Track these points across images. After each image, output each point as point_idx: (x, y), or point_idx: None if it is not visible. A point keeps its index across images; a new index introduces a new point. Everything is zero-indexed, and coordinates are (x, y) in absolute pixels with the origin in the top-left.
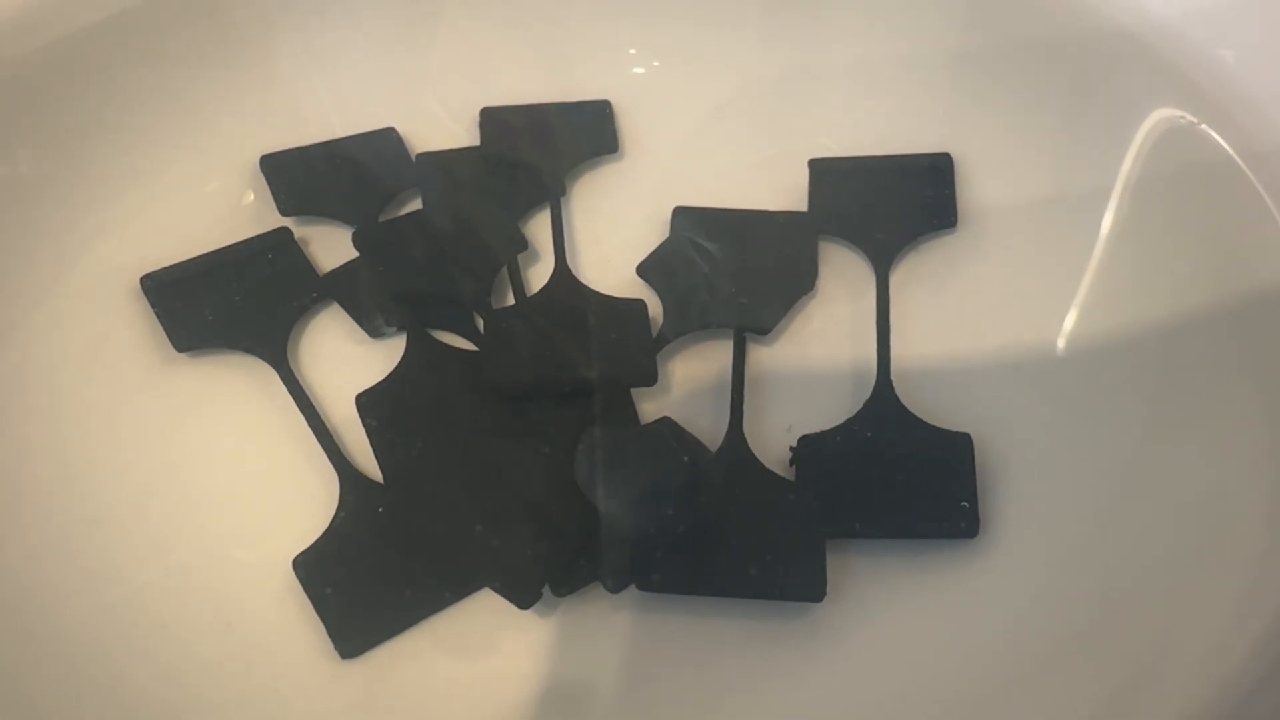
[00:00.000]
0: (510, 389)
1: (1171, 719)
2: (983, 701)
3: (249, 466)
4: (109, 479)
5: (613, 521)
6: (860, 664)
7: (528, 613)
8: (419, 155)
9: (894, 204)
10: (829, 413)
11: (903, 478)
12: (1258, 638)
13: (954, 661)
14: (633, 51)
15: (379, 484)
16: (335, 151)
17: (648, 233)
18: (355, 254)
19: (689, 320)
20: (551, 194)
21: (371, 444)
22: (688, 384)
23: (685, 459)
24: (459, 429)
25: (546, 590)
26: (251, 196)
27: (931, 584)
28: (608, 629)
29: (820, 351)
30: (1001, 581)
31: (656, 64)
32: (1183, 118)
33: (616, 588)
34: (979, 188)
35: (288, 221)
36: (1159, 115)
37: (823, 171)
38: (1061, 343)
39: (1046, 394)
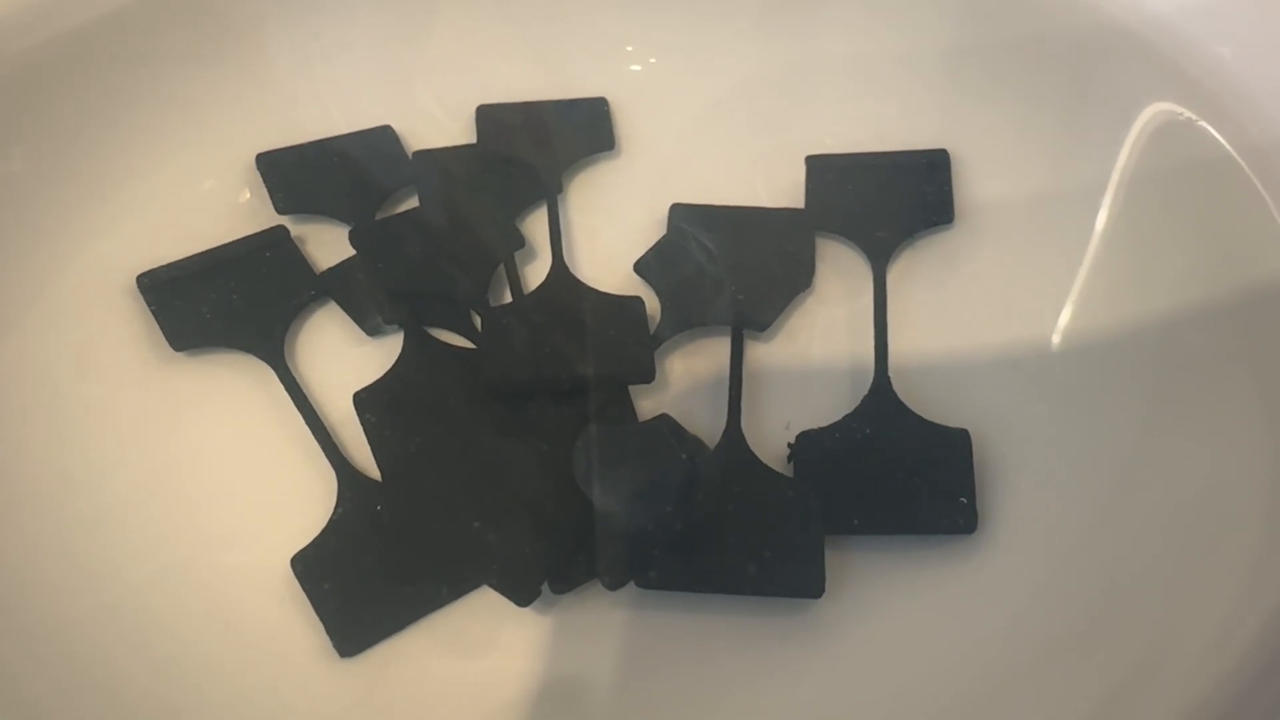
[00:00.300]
0: (508, 387)
1: (1172, 715)
2: (982, 698)
3: (246, 465)
4: (106, 478)
5: (610, 519)
6: (859, 660)
7: (526, 610)
8: (415, 153)
9: (891, 200)
10: (827, 409)
11: (901, 474)
12: (1257, 633)
13: (953, 657)
14: (630, 49)
15: (377, 482)
16: (331, 149)
17: (645, 230)
18: (352, 252)
19: (686, 317)
20: (548, 191)
21: (369, 442)
22: (685, 381)
23: (683, 456)
24: (457, 427)
25: (545, 588)
26: (248, 195)
27: (930, 580)
28: (606, 626)
29: (818, 348)
30: (1000, 577)
31: (653, 61)
32: (1179, 113)
33: (614, 585)
34: (976, 184)
35: (284, 220)
36: (1156, 111)
37: (820, 168)
38: (1059, 338)
39: (1044, 390)
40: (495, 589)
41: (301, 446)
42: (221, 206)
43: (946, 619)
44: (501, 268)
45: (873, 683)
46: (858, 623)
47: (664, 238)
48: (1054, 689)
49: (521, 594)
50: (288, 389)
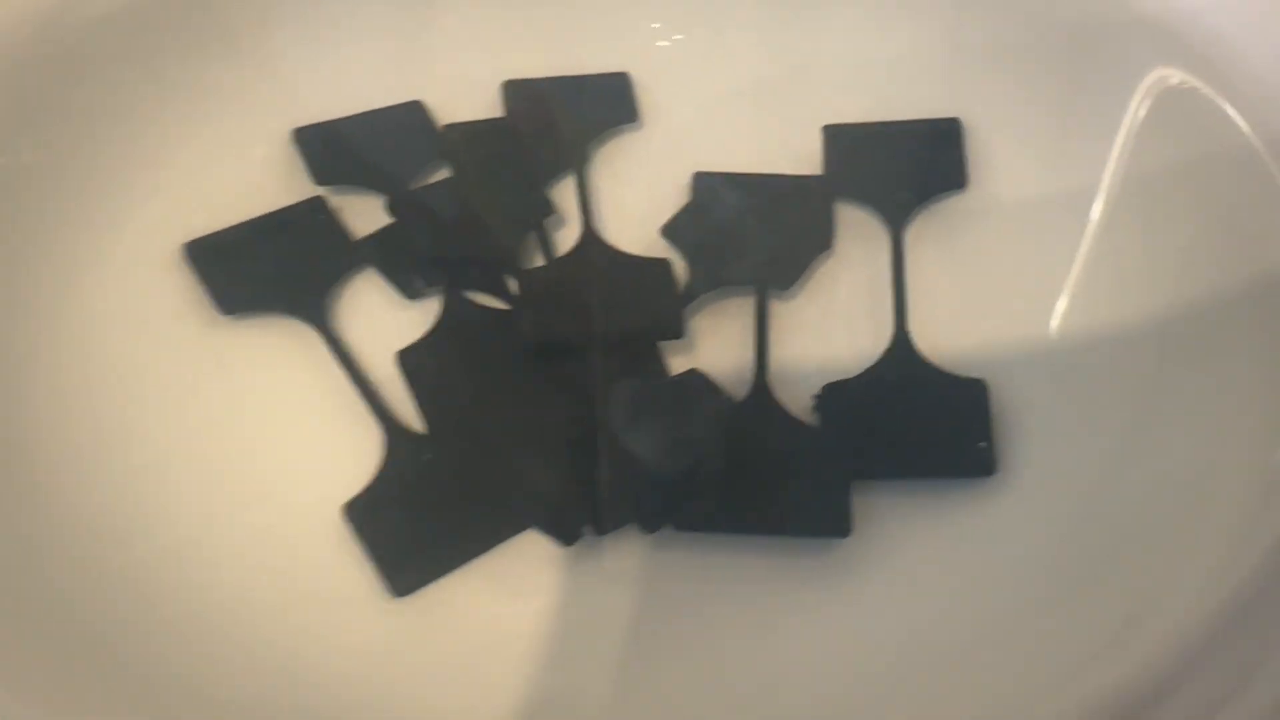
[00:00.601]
0: (545, 344)
1: (1176, 640)
2: (1001, 628)
3: (295, 422)
4: (161, 434)
5: (647, 465)
6: (883, 595)
7: (570, 551)
8: (446, 126)
9: (906, 167)
10: (850, 363)
11: (922, 421)
12: (1247, 574)
13: (974, 591)
14: (656, 25)
15: (423, 434)
16: (364, 124)
17: (670, 197)
18: (387, 221)
19: (712, 279)
20: (575, 162)
21: (414, 397)
22: (713, 339)
23: (714, 406)
24: (497, 382)
25: (587, 530)
26: (287, 167)
27: (951, 520)
28: (644, 566)
29: (840, 306)
30: (1017, 517)
31: (679, 37)
32: (1184, 83)
33: (651, 528)
34: (988, 152)
35: (322, 191)
36: (1160, 82)
37: (837, 137)
38: (1068, 297)
39: (1055, 343)
40: (540, 531)
41: (348, 404)
42: (263, 178)
43: (967, 556)
44: (533, 234)
45: (896, 615)
46: (882, 561)
47: (688, 204)
48: (1067, 618)
49: (565, 535)
50: (333, 350)
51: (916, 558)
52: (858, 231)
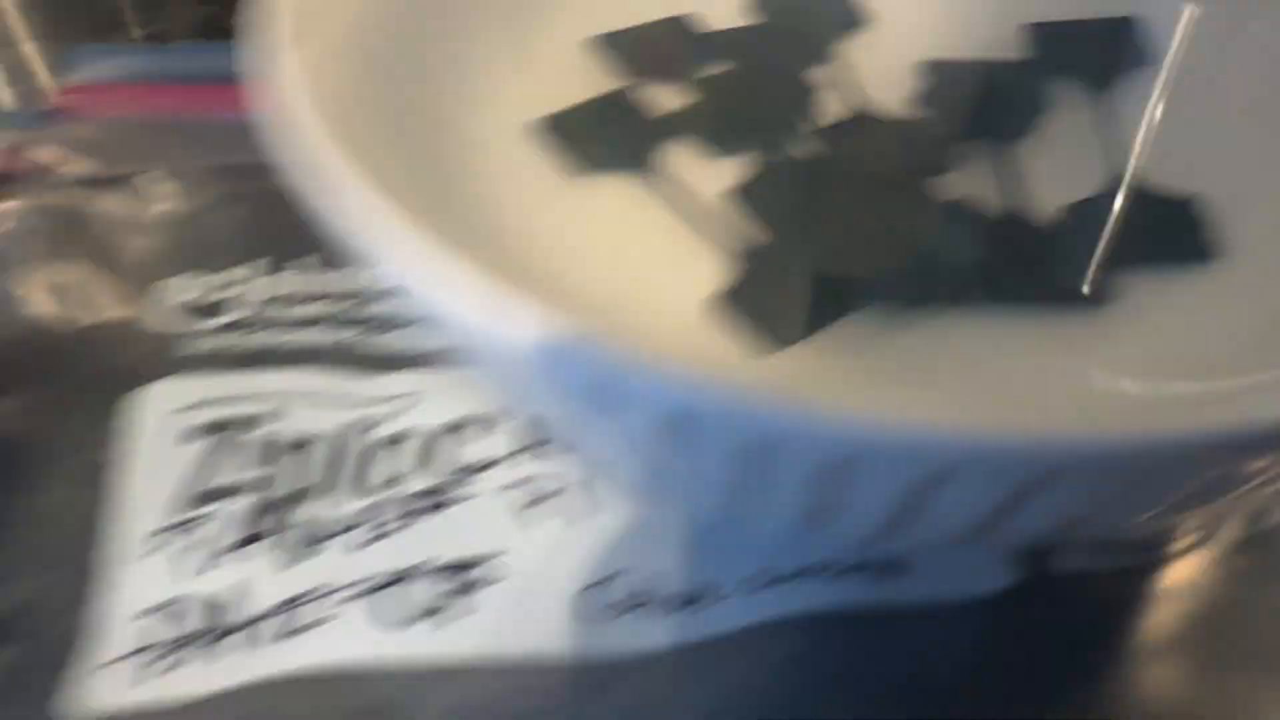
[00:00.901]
0: (853, 178)
1: None
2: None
3: (642, 251)
4: (544, 264)
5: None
6: (1126, 351)
7: (905, 321)
8: (710, 32)
9: (1100, 49)
10: (1083, 187)
11: (1150, 223)
12: None
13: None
14: None
15: (764, 245)
16: (646, 31)
17: (905, 84)
18: (688, 101)
19: (958, 135)
20: (822, 57)
21: (750, 220)
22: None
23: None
24: (817, 204)
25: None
26: (596, 66)
27: (1184, 294)
28: (957, 329)
29: (1067, 153)
30: (1236, 289)
31: None
32: None
33: (957, 302)
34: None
35: (627, 82)
36: None
37: (1036, 31)
38: (1253, 129)
39: (1253, 166)
40: (878, 306)
41: (686, 236)
42: (578, 74)
43: (1195, 317)
44: (808, 110)
45: (1142, 358)
46: (1122, 326)
47: (926, 84)
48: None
49: (909, 303)
50: (670, 195)
51: (1152, 323)
52: (1069, 100)
